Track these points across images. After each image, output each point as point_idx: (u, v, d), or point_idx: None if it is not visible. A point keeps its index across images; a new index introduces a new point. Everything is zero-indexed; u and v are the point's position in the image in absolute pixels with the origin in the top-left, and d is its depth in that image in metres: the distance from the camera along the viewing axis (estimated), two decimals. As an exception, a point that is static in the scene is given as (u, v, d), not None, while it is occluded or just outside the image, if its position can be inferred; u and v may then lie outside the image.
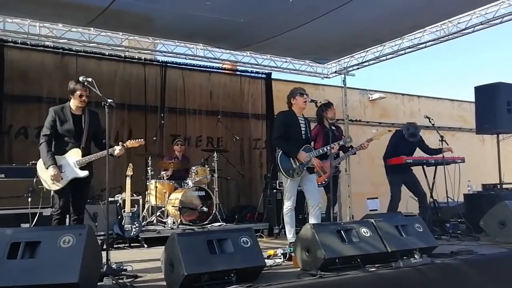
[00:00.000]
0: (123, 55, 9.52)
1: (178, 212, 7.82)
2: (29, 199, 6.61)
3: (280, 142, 5.91)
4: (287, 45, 9.61)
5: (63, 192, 5.11)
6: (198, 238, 4.12)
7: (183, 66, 10.21)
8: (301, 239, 4.73)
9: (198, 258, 3.91)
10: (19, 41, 8.41)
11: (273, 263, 4.97)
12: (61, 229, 4.15)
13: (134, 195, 7.84)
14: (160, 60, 10.14)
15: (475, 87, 8.00)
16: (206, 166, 8.71)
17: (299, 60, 10.98)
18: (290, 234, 5.85)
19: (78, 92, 5.12)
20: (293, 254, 4.91)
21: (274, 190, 8.63)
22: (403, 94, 14.54)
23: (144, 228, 7.49)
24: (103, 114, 4.84)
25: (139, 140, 5.54)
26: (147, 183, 8.34)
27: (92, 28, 8.50)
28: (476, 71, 36.29)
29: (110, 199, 5.59)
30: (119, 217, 7.02)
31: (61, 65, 8.84)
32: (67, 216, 5.22)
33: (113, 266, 4.41)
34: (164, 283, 4.11)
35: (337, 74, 11.51)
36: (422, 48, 9.57)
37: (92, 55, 9.22)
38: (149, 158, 8.42)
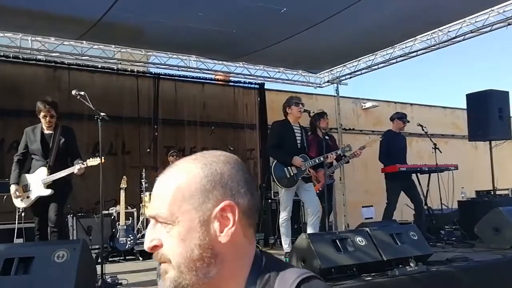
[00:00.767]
0: (115, 68, 9.51)
1: (173, 224, 7.76)
2: (23, 214, 6.56)
3: (273, 152, 5.92)
4: (280, 55, 9.64)
5: (34, 209, 5.29)
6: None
7: (176, 77, 10.20)
8: (297, 249, 4.72)
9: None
10: (11, 55, 8.39)
11: (269, 273, 4.93)
12: (55, 244, 4.13)
13: (129, 207, 7.81)
14: (153, 72, 10.15)
15: (466, 95, 8.06)
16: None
17: (291, 70, 11.01)
18: (285, 244, 5.85)
19: (42, 113, 5.23)
20: (288, 264, 4.88)
21: (269, 200, 8.63)
22: (395, 102, 14.60)
23: (139, 241, 7.43)
24: (96, 127, 4.83)
25: (97, 159, 5.37)
26: (142, 196, 8.29)
27: (84, 41, 8.49)
28: (468, 78, 36.57)
29: (104, 212, 5.57)
30: (114, 230, 6.98)
31: (54, 79, 8.83)
32: (46, 230, 5.29)
33: (108, 279, 4.39)
34: (160, 296, 4.08)
35: (330, 84, 11.55)
36: (413, 56, 9.64)
37: (85, 68, 9.21)
38: (143, 170, 8.39)
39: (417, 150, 12.71)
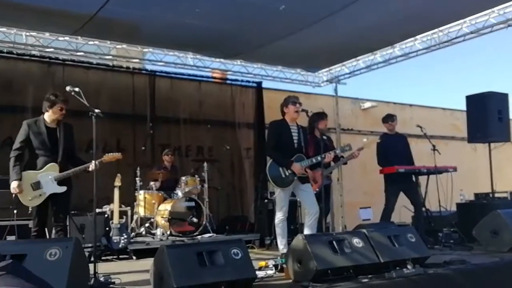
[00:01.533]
0: (111, 64, 9.43)
1: (168, 223, 7.72)
2: (15, 211, 6.48)
3: (272, 153, 5.85)
4: (278, 54, 9.58)
5: (42, 207, 5.05)
6: (188, 250, 4.06)
7: (172, 75, 10.14)
8: (293, 250, 4.67)
9: (188, 270, 3.84)
10: (5, 50, 8.31)
11: (265, 274, 4.88)
12: (47, 242, 4.09)
13: (123, 206, 7.75)
14: (149, 69, 10.07)
15: (466, 96, 8.02)
16: (196, 176, 8.61)
17: (290, 69, 10.96)
18: (281, 245, 5.77)
19: (58, 105, 5.07)
20: (284, 266, 4.84)
21: (266, 200, 8.56)
22: (395, 103, 14.55)
23: (132, 240, 7.38)
24: (90, 124, 4.74)
25: (116, 154, 5.46)
26: (136, 194, 8.23)
27: (79, 37, 8.43)
28: (468, 80, 36.59)
29: (97, 210, 5.50)
30: (107, 228, 6.90)
31: (48, 75, 8.74)
32: (45, 230, 5.19)
33: (100, 278, 4.34)
34: (153, 296, 4.02)
35: (329, 83, 11.52)
36: (413, 56, 9.63)
37: (80, 64, 9.11)
38: (138, 169, 8.32)
39: (416, 151, 12.56)
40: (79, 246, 4.01)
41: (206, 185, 8.67)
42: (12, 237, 6.45)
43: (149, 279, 4.19)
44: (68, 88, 4.84)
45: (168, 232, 7.73)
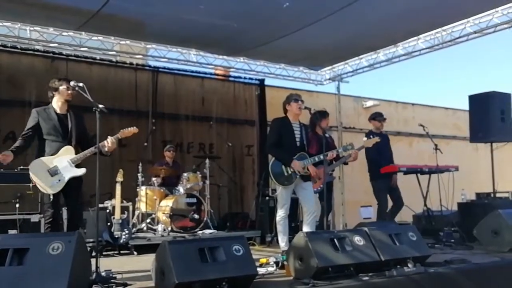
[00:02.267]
0: (114, 60, 9.44)
1: (169, 219, 7.74)
2: (17, 205, 6.51)
3: (273, 150, 5.85)
4: (281, 51, 9.58)
5: (57, 196, 4.87)
6: (190, 246, 4.05)
7: (175, 71, 10.14)
8: (294, 247, 4.67)
9: (189, 266, 3.84)
10: (9, 45, 8.32)
11: (266, 271, 4.89)
12: (50, 236, 4.07)
13: (124, 201, 7.73)
14: (152, 66, 10.09)
15: (469, 96, 8.00)
16: (198, 172, 8.62)
17: (293, 67, 10.95)
18: (283, 242, 5.78)
19: (64, 86, 4.97)
20: (285, 263, 4.84)
21: (267, 197, 8.57)
22: (397, 102, 14.55)
23: (134, 235, 7.39)
24: (94, 119, 4.73)
25: (132, 128, 5.35)
26: (138, 190, 8.24)
27: (83, 32, 8.43)
28: (471, 80, 36.56)
29: (99, 205, 5.49)
30: (109, 224, 6.91)
31: (52, 70, 8.75)
32: (59, 223, 5.06)
33: (102, 273, 4.32)
34: (155, 291, 4.03)
35: (331, 81, 11.51)
36: (416, 56, 9.61)
37: (83, 59, 9.13)
38: (140, 164, 8.33)
39: (418, 150, 12.70)
40: (81, 241, 4.00)
41: (207, 182, 8.68)
42: (14, 231, 6.47)
43: (151, 275, 4.20)
44: (72, 83, 4.81)
45: (169, 228, 7.75)
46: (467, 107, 8.14)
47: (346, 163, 7.05)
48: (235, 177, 10.57)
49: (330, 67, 11.15)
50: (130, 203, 8.16)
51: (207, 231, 7.96)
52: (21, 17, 7.85)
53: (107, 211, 7.31)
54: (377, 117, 7.93)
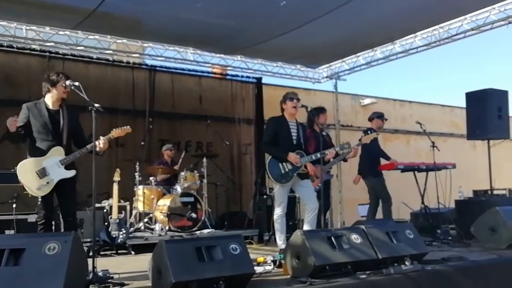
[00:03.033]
0: (111, 59, 9.42)
1: (166, 219, 7.72)
2: (14, 205, 6.49)
3: (268, 147, 5.85)
4: (278, 50, 9.58)
5: (48, 198, 4.75)
6: (187, 245, 4.05)
7: (172, 70, 10.13)
8: (291, 246, 4.67)
9: (186, 265, 3.83)
10: (5, 44, 8.30)
11: (263, 270, 4.88)
12: (46, 236, 4.05)
13: (122, 201, 7.72)
14: (149, 64, 10.08)
15: (466, 93, 8.00)
16: (195, 171, 8.61)
17: (290, 65, 10.96)
18: (280, 241, 5.78)
19: (62, 83, 4.78)
20: (283, 261, 4.84)
21: (265, 196, 8.56)
22: (394, 100, 14.56)
23: (131, 235, 7.38)
24: (90, 119, 4.69)
25: (125, 127, 5.21)
26: (135, 189, 8.23)
27: (79, 31, 8.42)
28: (468, 77, 36.60)
29: (96, 205, 5.46)
30: (106, 223, 6.90)
31: (48, 69, 8.66)
32: (53, 222, 4.98)
33: (99, 273, 4.31)
34: (152, 291, 4.03)
35: (329, 79, 11.52)
36: (413, 53, 9.63)
37: (80, 58, 9.11)
38: (137, 164, 8.31)
39: (415, 148, 12.71)
40: (78, 241, 3.99)
41: (205, 181, 8.67)
42: (11, 232, 6.46)
43: (148, 274, 4.19)
44: (68, 83, 4.71)
45: (167, 227, 7.73)
46: (464, 105, 8.15)
47: (345, 160, 7.05)
48: (232, 176, 10.56)
49: (327, 65, 11.15)
50: (128, 202, 8.14)
51: (205, 230, 7.95)
52: (17, 16, 7.83)
53: (104, 210, 7.31)
54: (381, 116, 7.98)
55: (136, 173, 8.21)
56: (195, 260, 3.91)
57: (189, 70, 10.29)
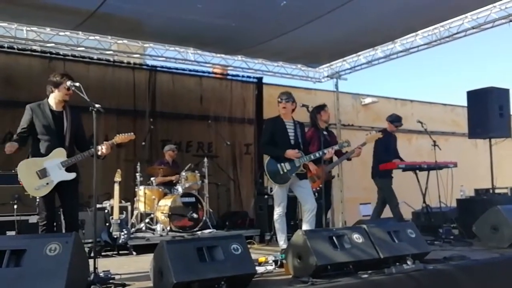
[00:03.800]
0: (112, 59, 9.42)
1: (168, 219, 7.72)
2: (15, 206, 6.49)
3: (266, 148, 5.86)
4: (279, 49, 9.56)
5: (49, 198, 4.75)
6: (188, 246, 4.05)
7: (173, 70, 10.12)
8: (293, 246, 4.67)
9: (187, 266, 3.84)
10: (6, 45, 8.30)
11: (264, 270, 4.89)
12: (47, 237, 4.04)
13: (123, 201, 7.74)
14: (150, 65, 10.09)
15: (467, 92, 7.99)
16: (197, 171, 8.61)
17: (290, 64, 10.94)
18: (281, 241, 5.77)
19: (65, 85, 4.76)
20: (284, 261, 4.84)
21: (266, 196, 8.55)
22: (395, 99, 14.54)
23: (132, 235, 7.37)
24: (91, 119, 4.68)
25: (129, 134, 5.18)
26: (136, 189, 8.23)
27: (80, 32, 8.42)
28: (469, 75, 36.56)
29: (98, 205, 5.45)
30: (107, 224, 6.90)
31: (49, 70, 8.66)
32: (54, 224, 4.96)
33: (100, 274, 4.31)
34: (153, 291, 4.03)
35: (329, 78, 11.50)
36: (414, 52, 9.60)
37: (80, 59, 9.11)
38: (138, 164, 8.31)
39: (417, 147, 12.68)
40: (79, 242, 3.98)
41: (206, 181, 8.67)
42: (12, 233, 6.46)
43: (149, 275, 4.19)
44: (68, 83, 4.72)
45: (168, 228, 7.74)
46: (465, 103, 8.14)
47: (349, 159, 7.02)
48: (233, 176, 10.56)
49: (328, 64, 11.13)
50: (129, 203, 8.15)
51: (206, 231, 7.95)
52: (18, 17, 7.83)
53: (106, 211, 7.32)
54: (393, 121, 8.03)
55: (137, 174, 8.21)
56: (196, 261, 3.91)
57: (190, 70, 10.28)
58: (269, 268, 4.99)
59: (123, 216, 7.08)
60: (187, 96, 10.34)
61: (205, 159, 8.82)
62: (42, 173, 4.69)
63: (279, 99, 5.90)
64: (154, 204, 8.08)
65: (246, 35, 8.72)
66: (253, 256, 4.46)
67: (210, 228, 8.06)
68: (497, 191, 7.85)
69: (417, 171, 7.61)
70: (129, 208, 8.10)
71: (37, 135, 4.79)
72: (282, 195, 5.77)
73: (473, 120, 7.89)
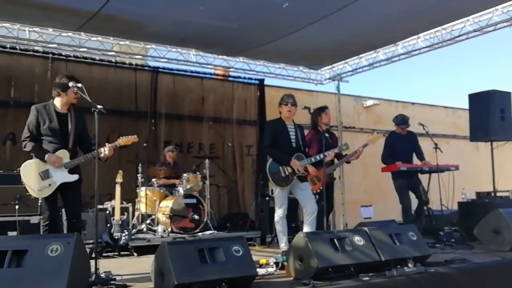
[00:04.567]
0: (114, 60, 9.43)
1: (169, 220, 7.72)
2: (17, 207, 6.49)
3: (270, 151, 5.85)
4: (281, 51, 9.56)
5: (52, 199, 4.79)
6: (189, 247, 4.05)
7: (175, 71, 10.13)
8: (294, 248, 4.66)
9: (188, 267, 3.83)
10: (8, 46, 8.31)
11: (265, 272, 4.88)
12: (49, 238, 4.05)
13: (124, 202, 7.72)
14: (152, 66, 10.09)
15: (469, 95, 8.00)
16: (198, 173, 8.61)
17: (292, 66, 10.95)
18: (282, 243, 5.77)
19: (73, 89, 4.78)
20: (285, 263, 4.84)
21: (267, 198, 8.55)
22: (397, 101, 14.53)
23: (134, 236, 7.38)
24: (93, 120, 4.68)
25: (132, 136, 5.23)
26: (137, 190, 8.23)
27: (82, 33, 8.44)
28: (471, 78, 36.55)
29: (99, 206, 5.47)
30: (109, 225, 6.90)
31: (51, 70, 8.72)
32: (57, 225, 4.98)
33: (102, 275, 4.31)
34: (154, 292, 4.03)
35: (331, 81, 11.50)
36: (416, 54, 9.60)
37: (83, 60, 9.12)
38: (140, 165, 8.31)
39: (418, 149, 12.63)
40: (80, 242, 3.99)
41: (207, 182, 8.67)
42: (14, 233, 6.47)
43: (150, 276, 4.19)
44: (71, 84, 4.74)
45: (169, 229, 7.74)
46: (467, 106, 8.14)
47: (348, 162, 7.02)
48: (235, 177, 10.55)
49: (329, 66, 11.14)
50: (130, 204, 8.13)
51: (207, 232, 7.95)
52: (20, 17, 7.84)
53: (107, 212, 7.31)
54: (399, 123, 7.91)
55: (138, 175, 8.21)
56: (197, 262, 3.91)
57: (192, 71, 10.30)
58: (270, 270, 4.98)
59: (124, 217, 7.08)
60: (188, 97, 10.35)
61: (207, 161, 8.81)
62: (45, 174, 4.73)
63: (285, 102, 5.86)
64: (155, 205, 8.08)
65: (247, 37, 8.72)
66: (254, 258, 4.45)
67: (211, 230, 8.06)
68: (498, 194, 7.85)
69: (419, 174, 7.61)
70: (130, 209, 8.08)
71: (41, 136, 4.81)
72: (283, 197, 5.77)
73: (474, 123, 7.89)
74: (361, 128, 13.14)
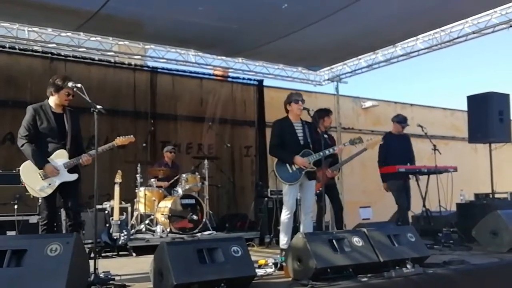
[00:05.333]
0: (113, 60, 9.43)
1: (168, 220, 7.73)
2: (16, 206, 6.49)
3: (275, 151, 5.83)
4: (280, 52, 9.58)
5: (51, 198, 4.81)
6: (188, 247, 4.05)
7: (174, 72, 10.13)
8: (293, 249, 4.67)
9: (187, 267, 3.84)
10: (7, 45, 8.31)
11: (264, 272, 4.88)
12: (48, 237, 4.04)
13: (123, 202, 7.72)
14: (151, 66, 10.09)
15: (467, 97, 8.00)
16: (197, 173, 8.61)
17: (291, 67, 10.96)
18: (283, 241, 5.71)
19: (65, 91, 4.81)
20: (284, 264, 4.84)
21: (266, 198, 8.55)
22: (396, 102, 14.54)
23: (132, 237, 7.38)
24: (92, 120, 4.69)
25: (129, 136, 5.27)
26: (136, 191, 8.23)
27: (81, 33, 8.44)
28: (469, 80, 36.58)
29: (98, 206, 5.45)
30: (107, 225, 6.90)
31: (50, 70, 8.70)
32: (55, 224, 4.99)
33: (100, 275, 4.31)
34: (153, 293, 4.03)
35: (330, 82, 11.52)
36: (415, 56, 9.63)
37: (82, 60, 9.12)
38: (139, 165, 8.31)
39: (417, 151, 12.60)
40: (79, 242, 3.99)
41: (206, 183, 8.67)
42: (13, 233, 6.46)
43: (149, 276, 4.19)
44: (70, 84, 4.73)
45: (168, 229, 7.74)
46: (465, 108, 8.15)
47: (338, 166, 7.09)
48: (234, 178, 10.55)
49: (328, 67, 11.16)
50: (129, 204, 8.13)
51: (206, 232, 7.95)
52: (20, 17, 7.84)
53: (106, 212, 7.30)
54: (400, 121, 7.93)
55: (137, 175, 8.21)
56: (196, 262, 3.92)
57: (191, 72, 10.31)
58: (269, 270, 4.99)
59: (123, 217, 7.08)
60: (187, 98, 10.36)
61: (205, 161, 8.82)
62: (45, 174, 4.75)
63: (295, 100, 5.82)
64: (154, 206, 8.08)
65: (247, 38, 8.73)
66: (253, 258, 4.46)
67: (209, 230, 8.06)
68: (497, 195, 7.84)
69: (417, 175, 7.62)
70: (129, 209, 8.09)
71: (39, 136, 4.81)
72: (292, 195, 5.69)
73: (473, 124, 7.90)
74: (359, 129, 13.16)
